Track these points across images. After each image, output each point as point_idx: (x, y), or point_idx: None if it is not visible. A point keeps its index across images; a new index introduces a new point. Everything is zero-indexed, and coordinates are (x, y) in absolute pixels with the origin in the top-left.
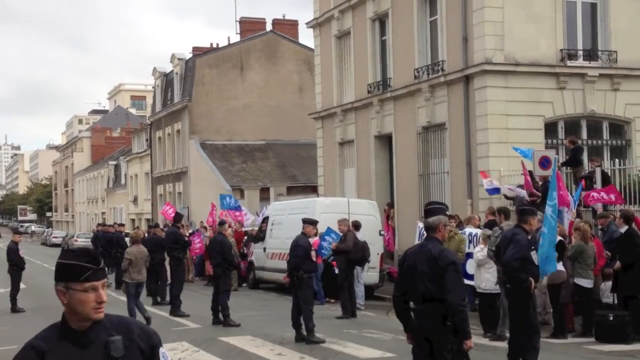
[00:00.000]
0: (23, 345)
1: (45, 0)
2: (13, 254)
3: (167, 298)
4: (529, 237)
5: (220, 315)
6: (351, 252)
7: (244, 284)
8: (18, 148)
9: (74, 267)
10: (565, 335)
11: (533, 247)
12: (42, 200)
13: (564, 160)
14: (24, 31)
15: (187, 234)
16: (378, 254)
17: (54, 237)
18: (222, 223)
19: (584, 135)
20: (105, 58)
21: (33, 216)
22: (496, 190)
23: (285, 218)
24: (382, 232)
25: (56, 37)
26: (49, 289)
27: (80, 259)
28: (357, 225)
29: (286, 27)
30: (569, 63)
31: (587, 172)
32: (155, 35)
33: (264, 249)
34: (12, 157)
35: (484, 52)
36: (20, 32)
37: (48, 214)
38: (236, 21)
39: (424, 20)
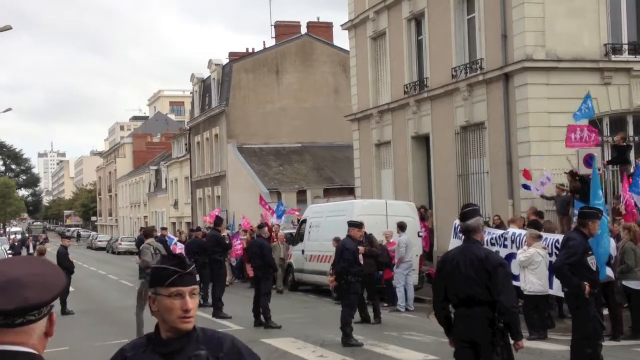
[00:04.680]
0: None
1: (67, 8)
2: (63, 258)
3: (210, 300)
4: (588, 241)
5: (262, 317)
6: (380, 256)
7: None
8: (64, 155)
9: (162, 271)
10: (618, 337)
11: (590, 252)
12: (87, 205)
13: (610, 158)
14: (49, 40)
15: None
16: (417, 255)
17: (100, 241)
18: (261, 226)
19: (631, 131)
20: (130, 63)
21: (79, 221)
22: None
23: (323, 220)
24: (421, 234)
25: (80, 45)
26: (97, 291)
27: (168, 263)
28: (402, 227)
29: (321, 30)
30: (613, 58)
31: (634, 169)
32: (177, 39)
33: (303, 252)
34: (58, 164)
35: (524, 49)
36: (45, 41)
37: (93, 218)
38: (271, 25)
39: (461, 18)
